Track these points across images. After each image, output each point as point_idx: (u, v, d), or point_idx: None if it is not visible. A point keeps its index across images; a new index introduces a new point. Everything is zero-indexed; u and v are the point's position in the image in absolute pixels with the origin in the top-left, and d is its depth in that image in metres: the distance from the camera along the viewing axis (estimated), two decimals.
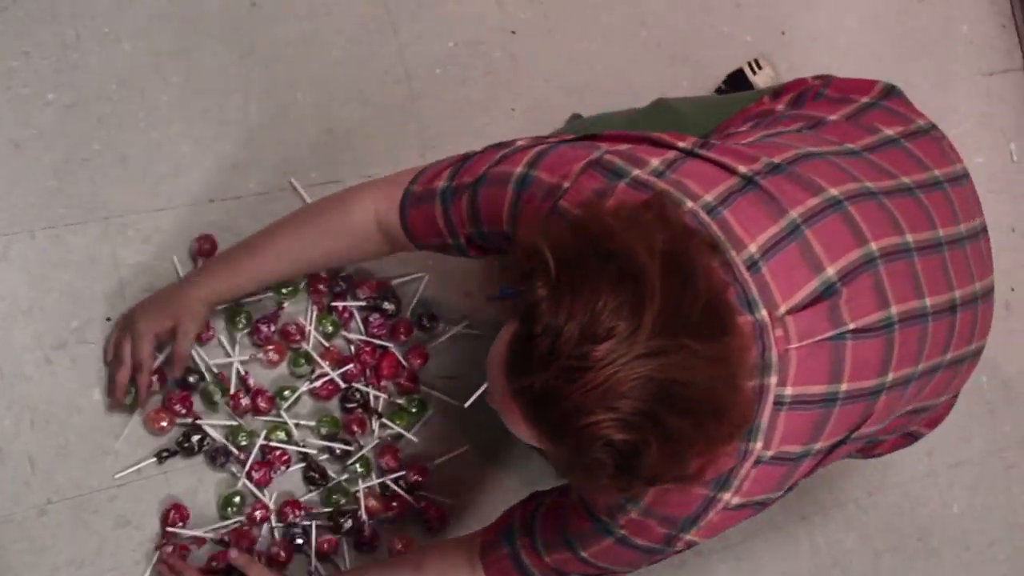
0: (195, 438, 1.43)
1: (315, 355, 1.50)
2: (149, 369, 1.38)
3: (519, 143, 1.24)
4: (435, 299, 1.61)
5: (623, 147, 1.18)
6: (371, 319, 1.55)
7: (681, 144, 1.18)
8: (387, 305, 1.56)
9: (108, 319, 1.43)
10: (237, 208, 1.52)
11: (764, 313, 1.07)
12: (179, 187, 1.50)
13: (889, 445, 1.42)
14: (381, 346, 1.55)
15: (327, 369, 1.50)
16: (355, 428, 1.52)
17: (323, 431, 1.51)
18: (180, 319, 1.37)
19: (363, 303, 1.55)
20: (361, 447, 1.52)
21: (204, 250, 1.47)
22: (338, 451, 1.50)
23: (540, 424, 1.00)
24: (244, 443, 1.45)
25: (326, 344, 1.53)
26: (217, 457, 1.45)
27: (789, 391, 1.09)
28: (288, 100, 1.58)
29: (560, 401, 0.95)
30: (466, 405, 1.17)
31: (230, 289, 1.39)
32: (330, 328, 1.53)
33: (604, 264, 0.96)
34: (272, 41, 1.59)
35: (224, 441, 1.45)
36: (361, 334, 1.55)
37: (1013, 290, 2.08)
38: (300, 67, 1.60)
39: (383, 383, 1.55)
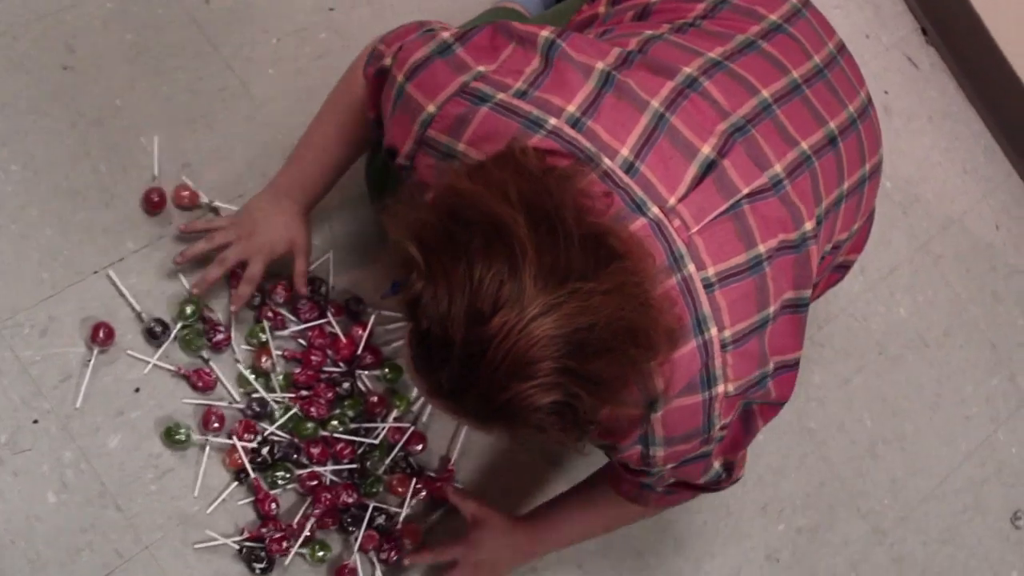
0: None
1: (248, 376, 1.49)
2: (255, 285, 1.45)
3: (412, 44, 1.21)
4: (356, 279, 1.61)
5: (492, 66, 1.16)
6: (299, 306, 1.54)
7: (544, 34, 1.16)
8: (316, 285, 1.56)
9: (36, 421, 1.39)
10: (125, 268, 1.48)
11: (656, 210, 1.08)
12: (58, 270, 1.46)
13: (824, 284, 1.44)
14: (325, 325, 1.55)
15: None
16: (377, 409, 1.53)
17: (351, 413, 1.52)
18: (297, 243, 1.45)
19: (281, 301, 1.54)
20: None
21: (100, 339, 1.43)
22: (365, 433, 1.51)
23: (466, 414, 1.00)
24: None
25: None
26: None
27: (712, 271, 1.10)
28: (134, 147, 1.54)
29: (472, 387, 0.94)
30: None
31: (317, 190, 1.45)
32: (262, 336, 1.51)
33: (469, 235, 0.95)
34: (97, 96, 1.55)
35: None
36: (298, 324, 1.54)
37: (887, 92, 2.12)
38: (135, 113, 1.56)
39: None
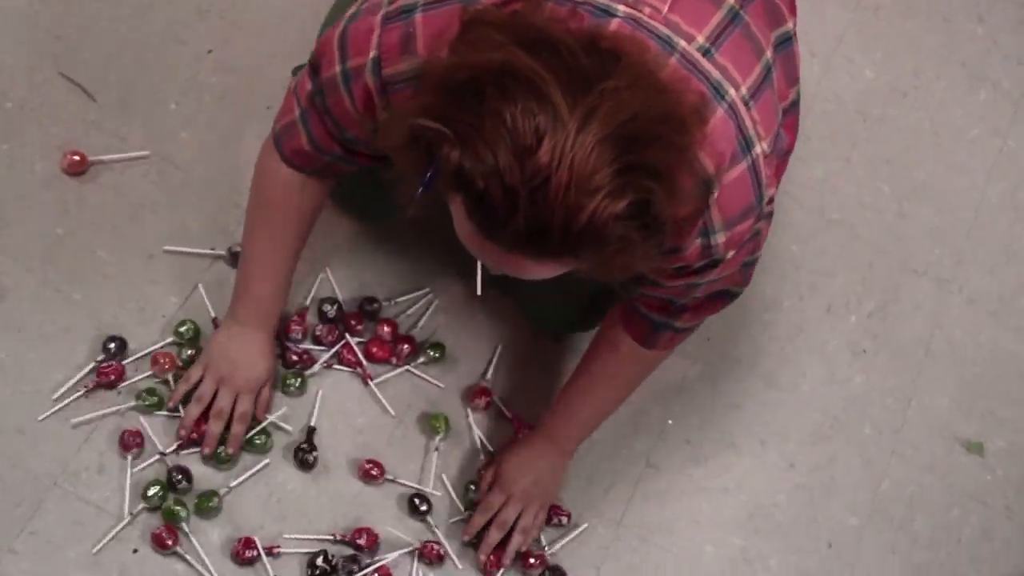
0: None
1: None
2: (248, 421, 1.45)
3: (324, 39, 1.19)
4: (360, 283, 1.61)
5: None
6: (319, 334, 1.54)
7: None
8: (325, 307, 1.56)
9: None
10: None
11: (623, 7, 1.06)
12: None
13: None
14: (351, 342, 1.55)
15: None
16: None
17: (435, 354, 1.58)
18: (271, 370, 1.46)
19: (300, 336, 1.54)
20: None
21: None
22: None
23: (554, 254, 0.97)
24: None
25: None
26: None
27: (701, 38, 1.08)
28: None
29: (551, 222, 0.92)
30: (479, 292, 1.14)
31: (276, 308, 1.45)
32: (296, 382, 1.51)
33: (479, 90, 0.93)
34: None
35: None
36: (328, 349, 1.55)
37: None
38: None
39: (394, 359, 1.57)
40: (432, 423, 1.53)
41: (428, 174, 0.97)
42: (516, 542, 1.47)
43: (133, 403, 1.46)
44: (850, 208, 1.85)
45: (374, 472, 1.48)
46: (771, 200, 1.18)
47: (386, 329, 1.57)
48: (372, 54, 1.11)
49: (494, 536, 1.46)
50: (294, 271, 1.44)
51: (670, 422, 1.64)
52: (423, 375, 1.57)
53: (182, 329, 1.50)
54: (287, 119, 1.27)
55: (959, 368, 1.78)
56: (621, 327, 1.39)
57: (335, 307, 1.56)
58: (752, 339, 1.73)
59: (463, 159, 0.92)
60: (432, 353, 1.58)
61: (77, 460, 1.42)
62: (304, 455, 1.47)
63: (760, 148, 1.11)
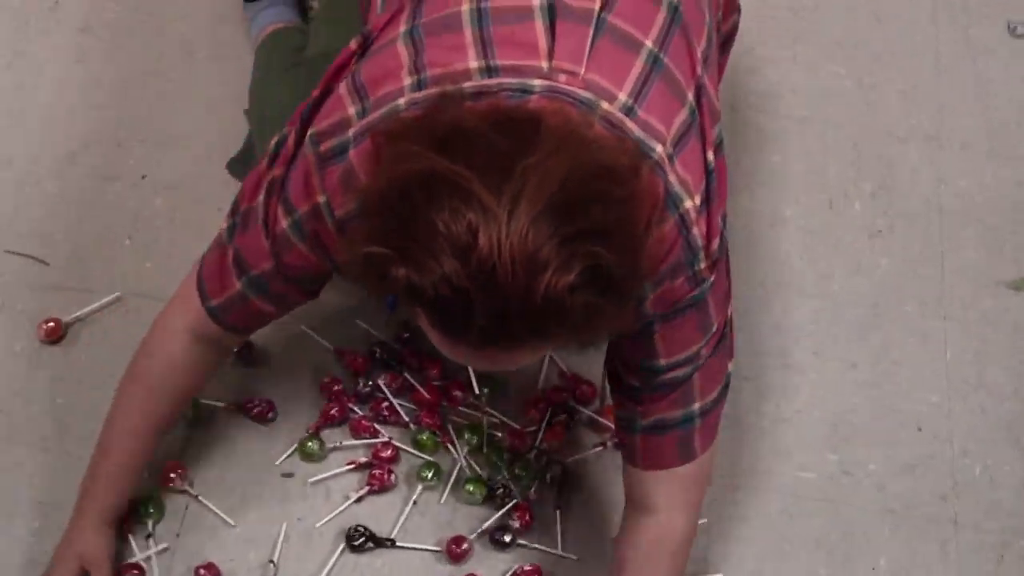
0: None
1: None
2: None
3: (250, 204, 1.18)
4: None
5: (316, 127, 1.11)
6: (381, 384, 1.49)
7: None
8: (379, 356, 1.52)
9: None
10: None
11: (538, 81, 1.03)
12: None
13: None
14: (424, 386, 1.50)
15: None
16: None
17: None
18: (85, 557, 1.31)
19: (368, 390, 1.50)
20: None
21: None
22: None
23: (522, 340, 0.94)
24: None
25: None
26: None
27: (622, 96, 1.05)
28: None
29: (508, 310, 0.90)
30: (477, 391, 1.21)
31: (115, 495, 1.33)
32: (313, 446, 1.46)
33: (407, 205, 0.92)
34: None
35: None
36: (399, 400, 1.50)
37: None
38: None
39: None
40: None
41: (389, 297, 0.97)
42: None
43: None
44: (815, 101, 1.82)
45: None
46: (711, 257, 1.11)
47: (434, 372, 1.51)
48: (321, 199, 1.09)
49: None
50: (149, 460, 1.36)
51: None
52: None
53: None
54: (228, 295, 1.23)
55: (976, 215, 1.75)
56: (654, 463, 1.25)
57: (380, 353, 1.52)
58: (767, 257, 1.69)
59: (409, 274, 0.91)
60: (483, 391, 1.50)
61: None
62: None
63: (690, 203, 1.07)
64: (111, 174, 1.66)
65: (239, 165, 1.64)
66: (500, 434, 1.49)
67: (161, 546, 1.39)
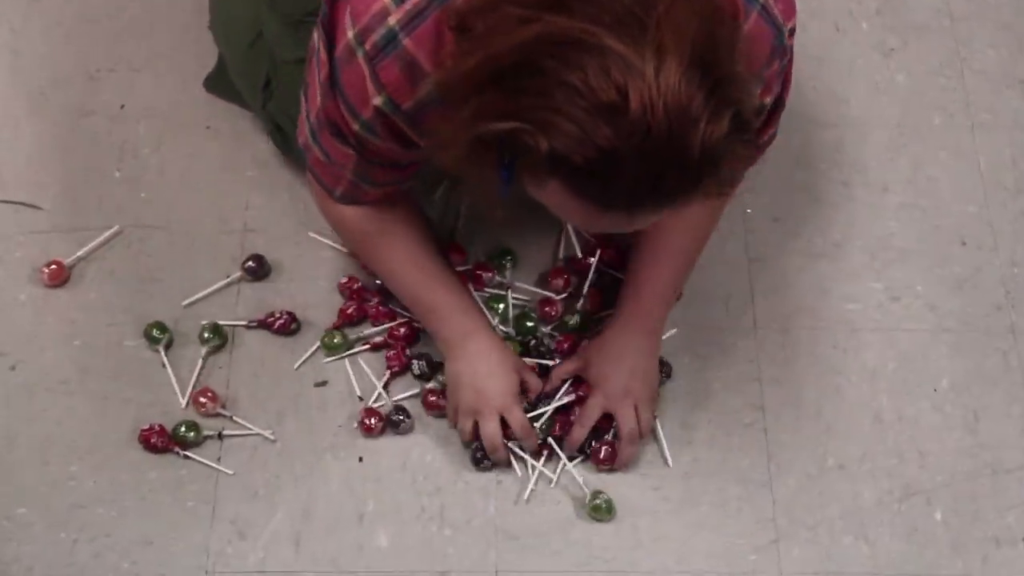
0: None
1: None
2: (528, 432, 1.34)
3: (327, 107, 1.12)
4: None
5: (353, 30, 1.04)
6: None
7: None
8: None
9: None
10: None
11: None
12: None
13: None
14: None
15: None
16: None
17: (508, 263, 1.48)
18: (505, 408, 1.32)
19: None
20: None
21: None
22: None
23: (679, 196, 0.90)
24: None
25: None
26: None
27: None
28: None
29: (666, 169, 0.86)
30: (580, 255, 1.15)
31: (474, 304, 1.36)
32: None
33: (533, 71, 0.85)
34: None
35: None
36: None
37: None
38: None
39: None
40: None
41: (506, 175, 0.92)
42: (627, 455, 1.35)
43: None
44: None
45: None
46: (792, 31, 1.10)
47: (457, 256, 1.46)
48: (379, 99, 1.04)
49: (628, 452, 1.35)
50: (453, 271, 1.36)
51: (748, 211, 1.53)
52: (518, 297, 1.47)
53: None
54: (343, 185, 1.21)
55: (989, 16, 1.68)
56: None
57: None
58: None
59: (552, 142, 0.85)
60: (505, 263, 1.47)
61: None
62: None
63: None
64: (88, 108, 1.58)
65: (217, 82, 1.57)
66: (528, 303, 1.46)
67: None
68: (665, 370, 1.41)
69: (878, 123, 1.60)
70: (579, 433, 1.35)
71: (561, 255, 1.48)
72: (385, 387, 1.39)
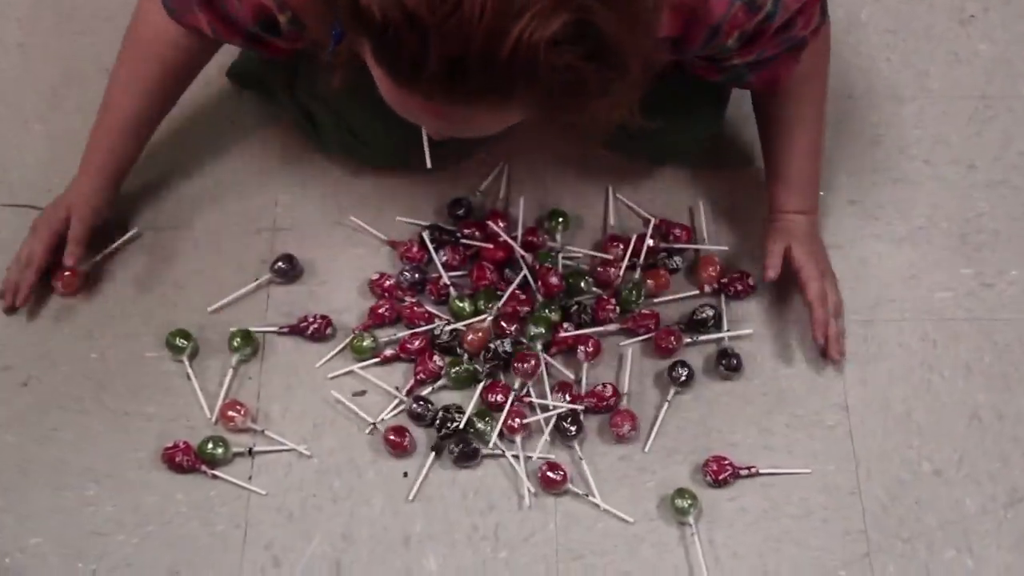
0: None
1: None
2: (39, 265, 1.29)
3: None
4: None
5: None
6: (439, 263, 1.32)
7: None
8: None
9: None
10: None
11: None
12: None
13: None
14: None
15: None
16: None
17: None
18: (72, 207, 1.29)
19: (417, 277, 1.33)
20: None
21: None
22: None
23: (478, 94, 0.81)
24: None
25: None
26: None
27: None
28: None
29: (468, 54, 0.76)
30: (428, 165, 1.03)
31: (113, 151, 1.30)
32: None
33: None
34: None
35: None
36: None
37: None
38: None
39: None
40: None
41: (336, 32, 0.86)
42: (837, 329, 1.28)
43: None
44: None
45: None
46: None
47: (501, 224, 1.35)
48: None
49: (837, 327, 1.28)
50: (151, 127, 1.32)
51: (821, 194, 1.39)
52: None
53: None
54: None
55: None
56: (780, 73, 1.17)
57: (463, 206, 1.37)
58: (850, 65, 1.50)
59: None
60: (557, 224, 1.36)
61: None
62: None
63: None
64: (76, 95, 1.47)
65: (241, 70, 1.46)
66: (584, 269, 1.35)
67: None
68: (733, 362, 1.28)
69: (961, 96, 1.46)
70: (822, 314, 1.27)
71: (611, 221, 1.38)
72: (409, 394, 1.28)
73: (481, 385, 1.25)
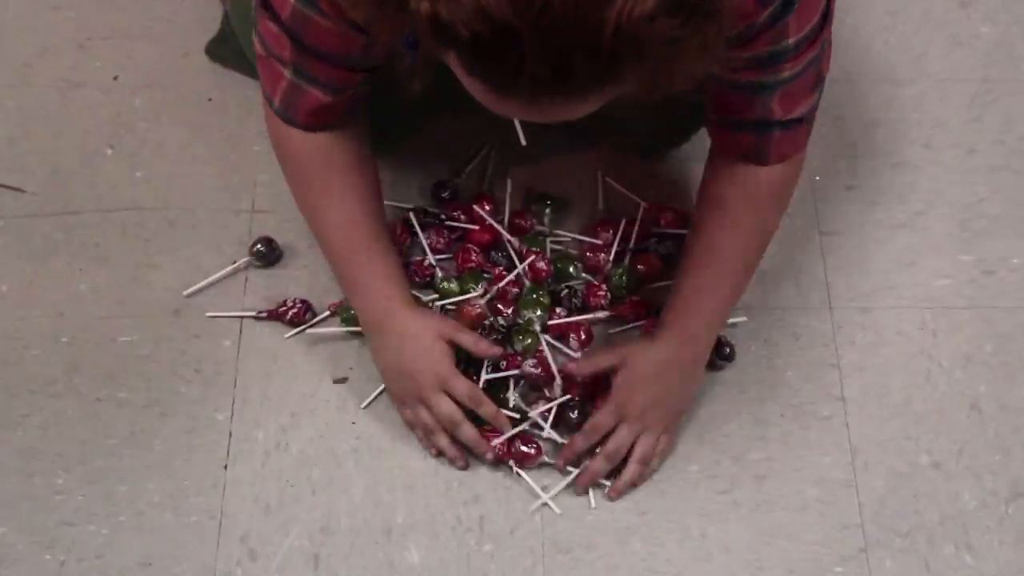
0: None
1: None
2: (481, 400, 1.16)
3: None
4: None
5: None
6: (426, 245, 1.28)
7: None
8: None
9: None
10: None
11: None
12: None
13: None
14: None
15: None
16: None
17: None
18: (442, 332, 1.17)
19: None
20: None
21: None
22: None
23: (588, 86, 0.76)
24: None
25: None
26: None
27: None
28: None
29: (570, 52, 0.71)
30: (523, 142, 0.96)
31: (403, 275, 1.20)
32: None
33: None
34: None
35: None
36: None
37: None
38: None
39: None
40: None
41: (410, 39, 0.83)
42: (631, 473, 1.17)
43: None
44: None
45: None
46: None
47: (487, 207, 1.31)
48: None
49: (600, 467, 1.17)
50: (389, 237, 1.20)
51: (817, 178, 1.36)
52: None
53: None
54: (281, 88, 1.08)
55: None
56: (720, 165, 1.13)
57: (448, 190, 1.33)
58: (846, 46, 1.46)
59: (435, 6, 0.71)
60: (545, 208, 1.32)
61: None
62: None
63: None
64: (77, 80, 1.42)
65: (220, 47, 1.42)
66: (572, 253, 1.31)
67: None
68: (726, 351, 1.23)
69: (961, 77, 1.42)
70: (580, 443, 1.17)
71: (600, 206, 1.34)
72: None
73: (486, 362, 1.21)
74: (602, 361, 1.18)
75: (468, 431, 1.16)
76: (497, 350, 1.18)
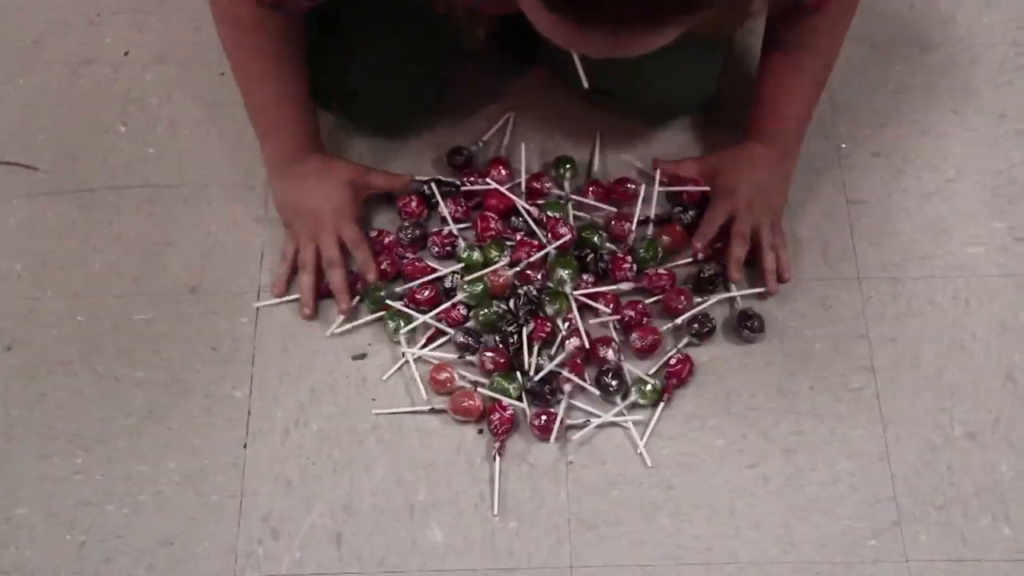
0: None
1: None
2: (339, 265, 1.22)
3: None
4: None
5: None
6: (446, 214, 1.26)
7: None
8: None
9: None
10: None
11: None
12: None
13: None
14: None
15: None
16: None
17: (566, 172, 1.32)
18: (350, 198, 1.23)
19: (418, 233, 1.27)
20: None
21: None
22: None
23: (667, 15, 0.76)
24: None
25: None
26: None
27: None
28: None
29: None
30: (585, 85, 0.95)
31: (313, 128, 1.23)
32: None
33: None
34: None
35: None
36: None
37: None
38: None
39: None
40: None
41: None
42: (770, 260, 1.22)
43: None
44: None
45: None
46: None
47: (503, 171, 1.29)
48: None
49: (737, 251, 1.21)
50: (307, 93, 1.20)
51: (843, 146, 1.33)
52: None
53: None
54: None
55: None
56: (781, 26, 1.16)
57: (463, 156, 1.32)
58: (871, 11, 1.42)
59: None
60: (564, 172, 1.30)
61: None
62: None
63: None
64: (88, 56, 1.40)
65: None
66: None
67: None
68: (755, 323, 1.21)
69: (990, 41, 1.39)
70: (708, 231, 1.22)
71: (594, 168, 1.33)
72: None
73: (525, 329, 1.19)
74: (694, 166, 1.26)
75: (338, 276, 1.20)
76: (406, 178, 1.25)
